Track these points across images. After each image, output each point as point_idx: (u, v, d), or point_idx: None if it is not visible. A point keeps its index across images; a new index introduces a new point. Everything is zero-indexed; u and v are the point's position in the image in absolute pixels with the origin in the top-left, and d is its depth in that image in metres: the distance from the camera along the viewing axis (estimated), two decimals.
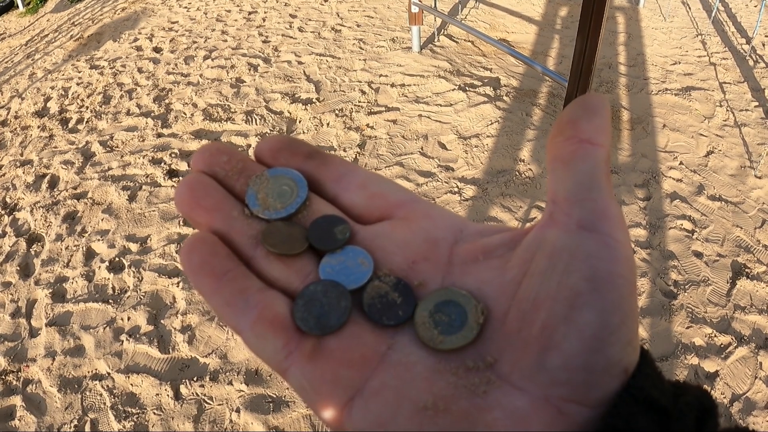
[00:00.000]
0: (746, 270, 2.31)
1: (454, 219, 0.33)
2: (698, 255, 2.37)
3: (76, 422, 1.97)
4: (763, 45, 4.03)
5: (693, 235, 2.46)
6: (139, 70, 4.36)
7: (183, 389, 2.03)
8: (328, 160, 0.35)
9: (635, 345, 0.26)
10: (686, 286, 2.24)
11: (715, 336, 2.07)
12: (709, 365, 1.98)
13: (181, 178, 3.06)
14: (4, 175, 3.36)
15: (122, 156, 3.32)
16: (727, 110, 3.28)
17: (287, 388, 1.99)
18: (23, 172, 3.33)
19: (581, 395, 0.24)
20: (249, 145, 3.24)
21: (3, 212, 3.04)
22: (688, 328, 2.09)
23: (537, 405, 0.25)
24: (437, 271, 0.31)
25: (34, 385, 2.12)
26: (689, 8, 4.72)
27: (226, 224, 0.32)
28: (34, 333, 2.33)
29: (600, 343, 0.24)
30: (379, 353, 0.28)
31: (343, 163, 0.35)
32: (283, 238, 0.31)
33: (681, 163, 2.88)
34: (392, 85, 3.65)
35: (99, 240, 2.72)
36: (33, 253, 2.74)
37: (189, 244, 0.30)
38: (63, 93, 4.21)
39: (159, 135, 3.46)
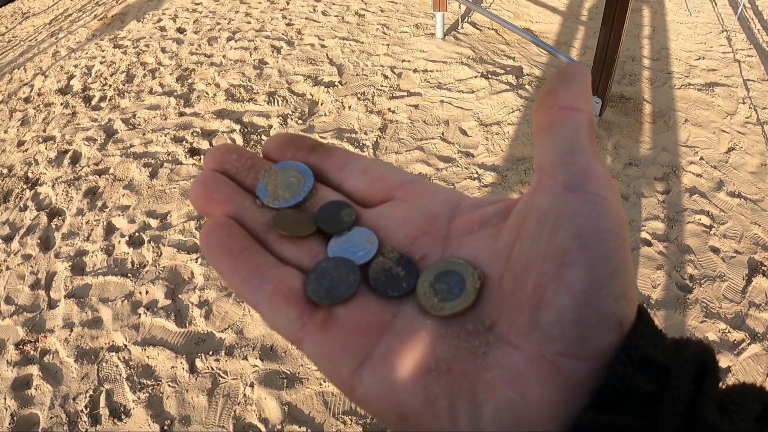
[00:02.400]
0: (763, 268, 2.29)
1: (451, 194, 0.35)
2: (715, 250, 2.36)
3: (91, 392, 2.01)
4: None
5: (711, 230, 2.45)
6: (163, 50, 4.38)
7: (198, 363, 2.06)
8: (330, 151, 0.37)
9: (629, 298, 0.26)
10: (702, 281, 2.23)
11: (729, 332, 2.06)
12: (722, 360, 1.97)
13: (202, 156, 3.09)
14: (26, 150, 3.40)
15: (144, 134, 3.35)
16: (750, 107, 3.24)
17: (301, 365, 2.01)
18: (45, 148, 3.37)
19: (575, 349, 0.25)
20: (270, 126, 3.26)
21: (25, 186, 3.08)
22: (702, 322, 2.09)
23: (533, 361, 0.26)
24: (437, 245, 0.33)
25: (51, 356, 2.16)
26: (715, 4, 4.65)
27: (239, 213, 0.33)
28: (52, 304, 2.37)
29: (591, 297, 0.25)
30: (385, 322, 0.30)
31: (345, 153, 0.37)
32: (293, 222, 0.33)
33: (701, 158, 2.86)
34: (415, 71, 3.65)
35: (119, 215, 2.76)
36: (54, 226, 2.78)
37: (207, 227, 0.32)
38: (86, 71, 4.24)
39: (181, 114, 3.49)
